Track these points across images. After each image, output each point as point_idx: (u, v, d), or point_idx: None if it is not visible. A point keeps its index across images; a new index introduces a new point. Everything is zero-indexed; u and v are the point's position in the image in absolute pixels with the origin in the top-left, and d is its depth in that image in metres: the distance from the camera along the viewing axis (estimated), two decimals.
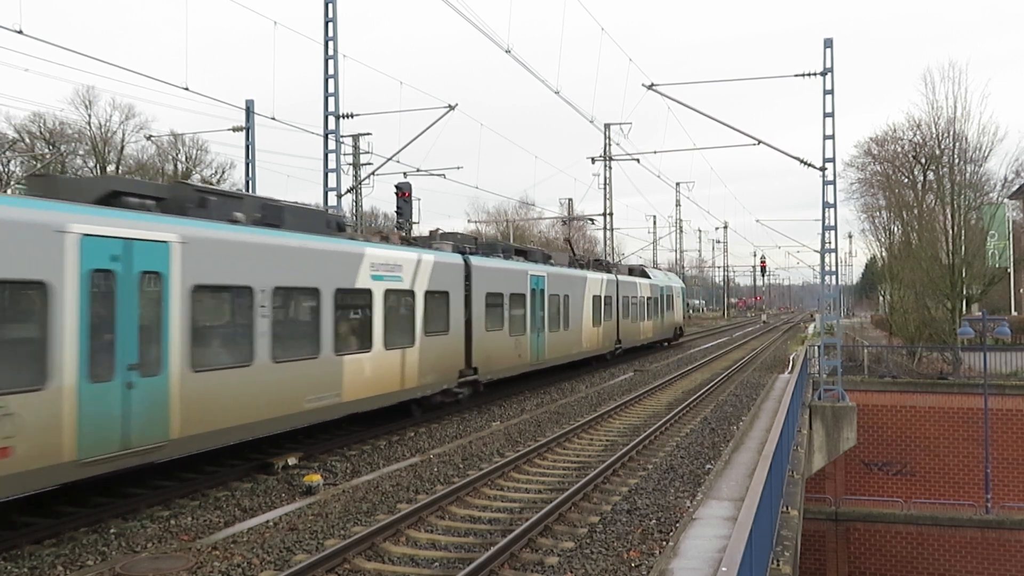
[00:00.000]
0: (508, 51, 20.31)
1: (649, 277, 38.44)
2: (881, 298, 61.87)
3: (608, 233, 53.62)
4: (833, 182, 23.86)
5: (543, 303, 23.21)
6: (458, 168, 61.78)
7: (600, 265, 31.92)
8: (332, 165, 25.79)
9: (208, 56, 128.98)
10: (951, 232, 34.77)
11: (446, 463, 13.39)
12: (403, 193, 29.28)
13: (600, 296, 28.89)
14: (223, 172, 59.11)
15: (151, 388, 9.80)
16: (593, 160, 51.09)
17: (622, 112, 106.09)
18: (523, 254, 24.20)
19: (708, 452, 14.32)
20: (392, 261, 15.39)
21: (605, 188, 51.65)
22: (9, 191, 13.61)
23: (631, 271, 37.16)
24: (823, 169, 23.74)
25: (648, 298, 36.79)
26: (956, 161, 35.74)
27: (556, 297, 24.42)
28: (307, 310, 13.38)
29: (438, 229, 23.26)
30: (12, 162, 51.11)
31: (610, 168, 51.27)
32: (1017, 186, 40.58)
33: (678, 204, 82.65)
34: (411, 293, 16.11)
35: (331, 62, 25.29)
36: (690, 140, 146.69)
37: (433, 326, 16.96)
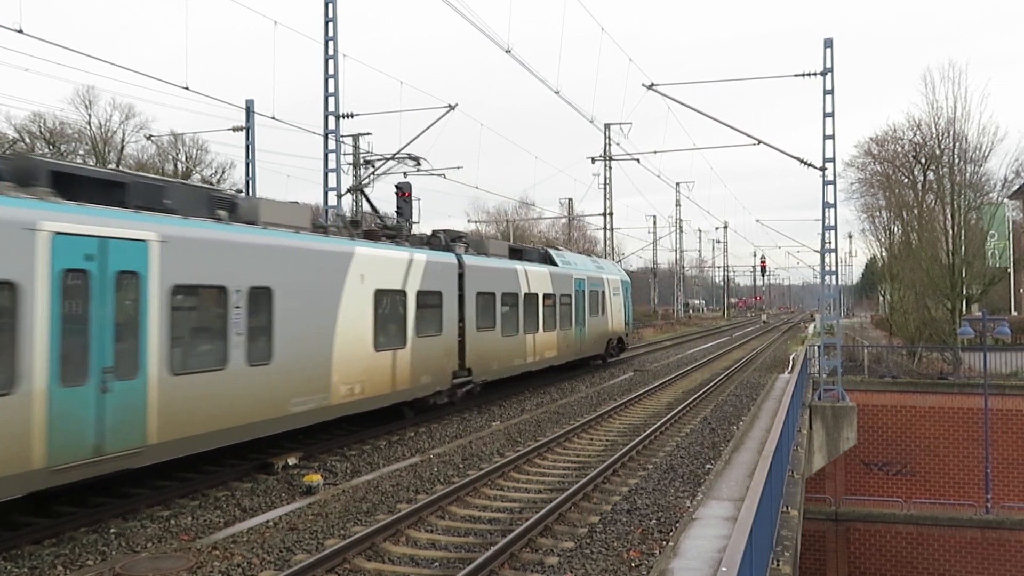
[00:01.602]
0: (508, 51, 20.32)
1: (554, 263, 25.26)
2: (881, 298, 61.91)
3: (608, 233, 53.69)
4: (833, 182, 23.86)
5: (140, 310, 10.20)
6: (458, 168, 61.65)
7: (436, 239, 19.15)
8: (332, 165, 25.82)
9: (208, 56, 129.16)
10: (951, 232, 34.77)
11: (446, 463, 13.39)
12: (403, 193, 29.23)
13: (401, 292, 15.86)
14: (223, 172, 59.11)
15: None
16: (593, 160, 51.22)
17: (622, 112, 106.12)
18: (82, 185, 10.24)
19: (708, 452, 14.32)
20: None
21: (605, 188, 51.73)
22: None
23: (518, 253, 23.79)
24: (823, 169, 23.74)
25: (548, 295, 23.69)
26: (956, 161, 35.75)
27: (217, 294, 11.43)
28: None
29: None
30: None
31: (610, 168, 51.34)
32: (1017, 186, 40.60)
33: (678, 204, 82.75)
34: None
35: (331, 62, 25.32)
36: (690, 140, 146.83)
37: None
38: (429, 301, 17.13)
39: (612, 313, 30.38)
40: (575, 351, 26.24)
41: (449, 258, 18.29)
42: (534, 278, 22.85)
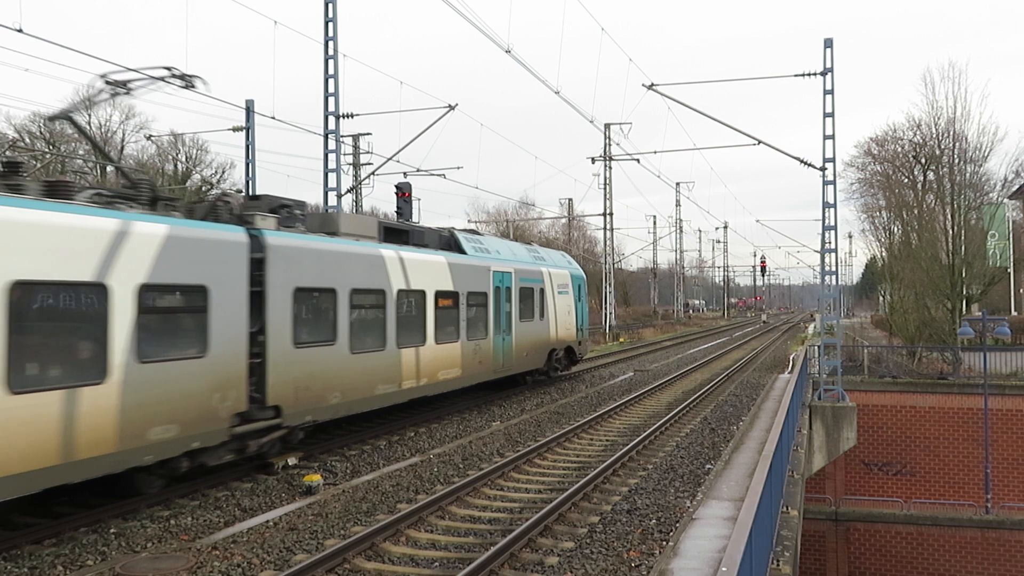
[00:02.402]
0: (508, 51, 20.34)
1: (461, 250, 19.18)
2: (881, 298, 61.92)
3: (608, 233, 53.71)
4: (833, 182, 23.88)
5: None
6: (458, 168, 61.72)
7: (223, 205, 12.50)
8: (332, 165, 25.84)
9: (208, 56, 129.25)
10: (951, 232, 34.81)
11: (446, 463, 13.40)
12: (403, 193, 29.30)
13: (95, 287, 9.50)
14: (223, 172, 59.14)
15: None
16: (593, 160, 51.27)
17: (622, 112, 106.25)
18: None
19: (708, 452, 14.32)
20: None
21: (605, 188, 51.77)
22: None
23: (400, 235, 17.20)
24: (823, 169, 23.75)
25: (446, 293, 17.66)
26: (956, 161, 35.79)
27: None
28: None
29: None
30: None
31: (610, 168, 51.37)
32: (1017, 186, 40.61)
33: (678, 204, 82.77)
34: None
35: (331, 62, 25.34)
36: (690, 140, 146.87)
37: None
38: (174, 302, 10.79)
39: (557, 316, 24.09)
40: (494, 367, 20.04)
41: (226, 234, 11.57)
42: (418, 269, 16.49)
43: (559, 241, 78.33)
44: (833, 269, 25.10)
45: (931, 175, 43.73)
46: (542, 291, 23.19)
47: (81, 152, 53.33)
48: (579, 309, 26.22)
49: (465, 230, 21.22)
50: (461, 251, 19.20)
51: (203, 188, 59.75)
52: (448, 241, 19.28)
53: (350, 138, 37.66)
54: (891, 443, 28.46)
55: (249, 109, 30.44)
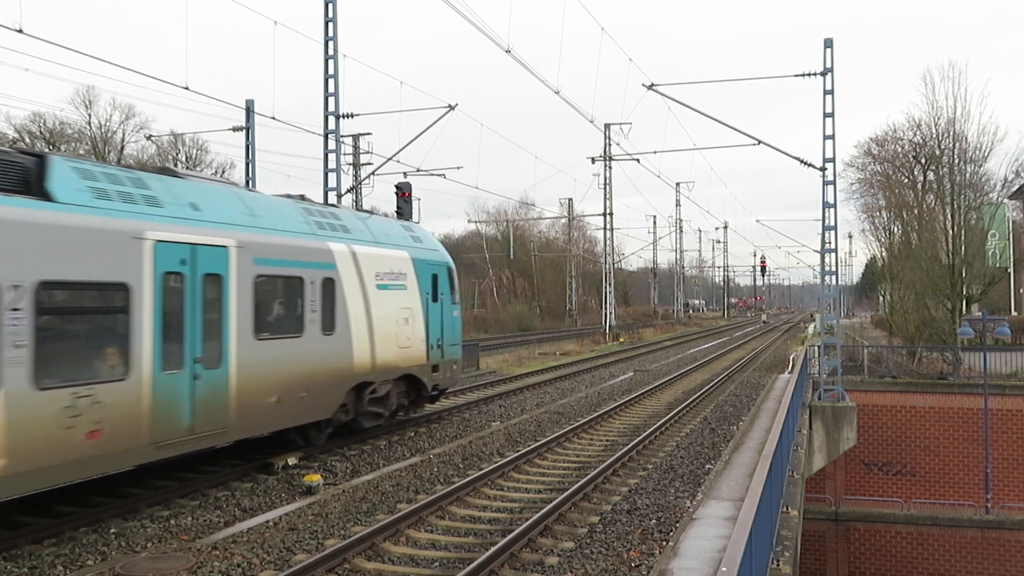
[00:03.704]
0: (508, 51, 20.33)
1: (45, 195, 8.76)
2: (881, 298, 61.91)
3: (608, 233, 53.75)
4: (833, 182, 23.87)
5: None
6: (458, 168, 61.72)
7: None
8: (332, 165, 25.83)
9: (208, 56, 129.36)
10: (951, 232, 34.79)
11: (446, 463, 13.39)
12: (403, 193, 29.23)
13: None
14: (223, 172, 59.14)
15: None
16: (593, 160, 51.31)
17: (622, 112, 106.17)
18: None
19: (708, 452, 14.32)
20: None
21: (605, 188, 51.82)
22: None
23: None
24: (823, 169, 23.75)
25: None
26: (956, 161, 35.77)
27: None
28: None
29: None
30: None
31: (610, 168, 51.41)
32: (1017, 186, 40.60)
33: (678, 204, 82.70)
34: None
35: (331, 62, 25.33)
36: (690, 140, 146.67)
37: None
38: None
39: (372, 327, 14.55)
40: (158, 436, 10.04)
41: None
42: None
43: (559, 241, 78.33)
44: (833, 269, 25.10)
45: (931, 175, 43.71)
46: (330, 283, 13.52)
47: (81, 152, 53.34)
48: (433, 313, 16.80)
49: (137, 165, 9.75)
50: (43, 195, 8.90)
51: None
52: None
53: (350, 138, 37.65)
54: (891, 443, 28.46)
55: (249, 109, 30.40)
